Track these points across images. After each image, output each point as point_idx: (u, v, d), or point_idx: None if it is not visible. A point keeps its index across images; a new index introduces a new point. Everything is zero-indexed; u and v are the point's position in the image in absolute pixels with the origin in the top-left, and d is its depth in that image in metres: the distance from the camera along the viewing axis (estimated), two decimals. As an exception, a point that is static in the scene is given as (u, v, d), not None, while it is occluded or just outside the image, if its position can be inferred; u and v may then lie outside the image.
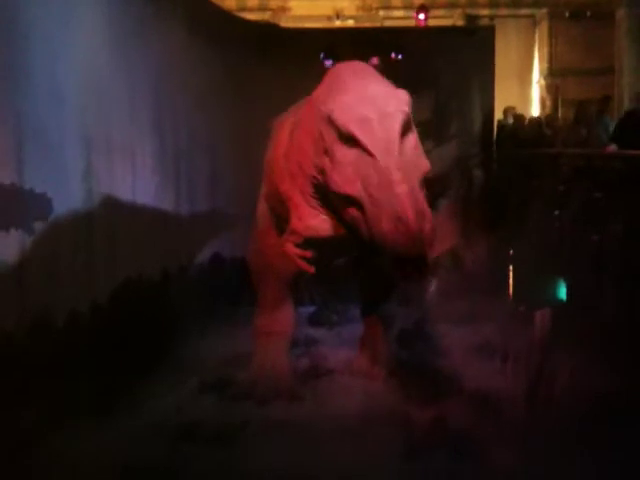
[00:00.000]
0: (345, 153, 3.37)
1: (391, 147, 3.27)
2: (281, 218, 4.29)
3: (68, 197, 4.13)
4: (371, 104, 3.40)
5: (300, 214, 3.87)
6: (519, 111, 10.96)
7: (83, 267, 4.29)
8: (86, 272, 4.32)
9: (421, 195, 3.27)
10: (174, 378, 4.57)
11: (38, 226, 3.82)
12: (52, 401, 3.66)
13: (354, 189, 3.30)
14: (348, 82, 3.63)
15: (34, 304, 3.78)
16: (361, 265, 4.71)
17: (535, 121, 10.56)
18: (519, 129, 9.71)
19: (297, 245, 3.93)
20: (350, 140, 3.34)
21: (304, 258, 3.93)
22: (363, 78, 3.68)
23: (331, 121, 3.41)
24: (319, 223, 3.83)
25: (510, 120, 10.16)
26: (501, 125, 9.64)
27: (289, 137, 4.04)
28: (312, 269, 3.96)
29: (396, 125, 3.33)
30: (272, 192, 4.34)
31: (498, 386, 4.20)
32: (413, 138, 3.49)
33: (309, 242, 3.90)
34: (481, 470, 3.39)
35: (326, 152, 3.47)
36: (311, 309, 6.29)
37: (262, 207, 4.73)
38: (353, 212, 3.37)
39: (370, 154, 3.26)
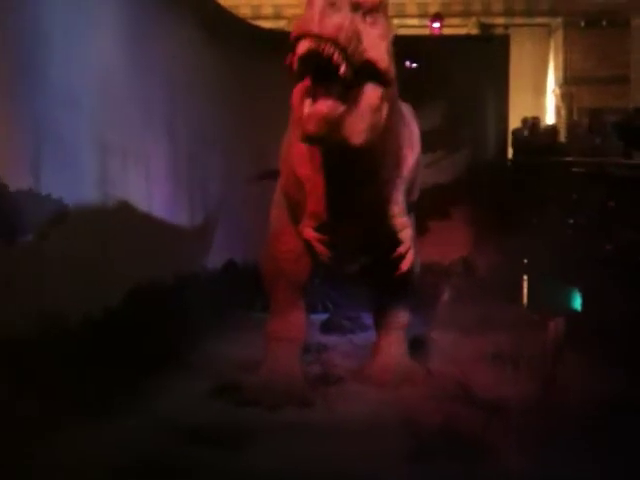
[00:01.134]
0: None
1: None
2: (298, 207, 4.27)
3: (84, 201, 4.17)
4: None
5: (318, 194, 3.86)
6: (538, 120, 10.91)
7: (97, 271, 4.33)
8: (101, 276, 4.36)
9: (343, 15, 3.18)
10: (186, 382, 4.59)
11: (54, 230, 3.85)
12: (65, 402, 3.68)
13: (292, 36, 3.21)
14: None
15: (49, 307, 3.81)
16: (374, 272, 4.72)
17: (550, 129, 10.53)
18: (534, 137, 9.69)
19: (315, 229, 3.92)
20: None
21: (323, 243, 3.92)
22: None
23: None
24: (337, 203, 3.83)
25: (526, 131, 10.14)
26: (515, 133, 9.61)
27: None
28: (330, 254, 3.94)
29: None
30: (289, 178, 4.31)
31: (510, 393, 4.19)
32: (381, 29, 3.46)
33: (326, 227, 3.89)
34: (492, 477, 3.38)
35: None
36: (323, 316, 6.30)
37: (275, 212, 4.74)
38: None
39: None
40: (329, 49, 3.14)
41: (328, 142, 3.39)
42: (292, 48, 3.22)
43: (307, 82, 3.32)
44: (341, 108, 3.31)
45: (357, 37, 3.27)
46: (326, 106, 3.26)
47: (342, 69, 3.21)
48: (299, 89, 3.41)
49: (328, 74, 3.23)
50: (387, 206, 4.00)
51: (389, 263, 4.43)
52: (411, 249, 4.19)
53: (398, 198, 4.05)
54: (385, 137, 3.68)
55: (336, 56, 3.17)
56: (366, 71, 3.37)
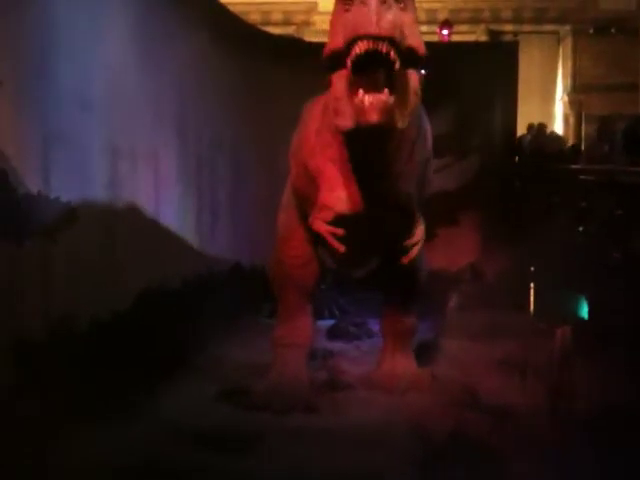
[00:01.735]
0: (340, 17, 3.47)
1: None
2: (308, 202, 4.27)
3: (92, 204, 4.18)
4: None
5: (331, 186, 3.89)
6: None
7: (106, 274, 4.34)
8: (109, 279, 4.37)
9: (394, 11, 3.29)
10: (193, 385, 4.59)
11: (62, 233, 3.87)
12: (72, 404, 3.70)
13: (342, 40, 3.37)
14: None
15: (58, 310, 3.83)
16: (383, 277, 4.71)
17: (556, 137, 10.52)
18: (542, 144, 9.69)
19: (328, 222, 3.93)
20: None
21: (335, 237, 3.93)
22: None
23: None
24: (350, 195, 3.86)
25: (529, 136, 10.14)
26: (521, 140, 9.62)
27: (322, 113, 4.06)
28: (343, 247, 3.95)
29: None
30: (300, 173, 4.32)
31: (517, 400, 4.18)
32: (412, 14, 3.56)
33: (338, 220, 3.91)
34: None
35: None
36: (330, 322, 6.29)
37: (283, 217, 4.75)
38: None
39: None
40: (387, 48, 3.28)
41: (381, 129, 3.49)
42: (346, 48, 3.34)
43: (352, 74, 3.43)
44: (393, 95, 3.43)
45: (401, 29, 3.39)
46: (384, 95, 3.39)
47: (397, 64, 3.36)
48: (341, 81, 3.54)
49: (373, 63, 3.35)
50: (399, 199, 4.00)
51: (397, 267, 4.42)
52: (419, 244, 4.20)
53: (410, 190, 4.04)
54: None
55: (392, 54, 3.31)
56: (408, 58, 3.50)
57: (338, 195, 3.89)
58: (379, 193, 3.87)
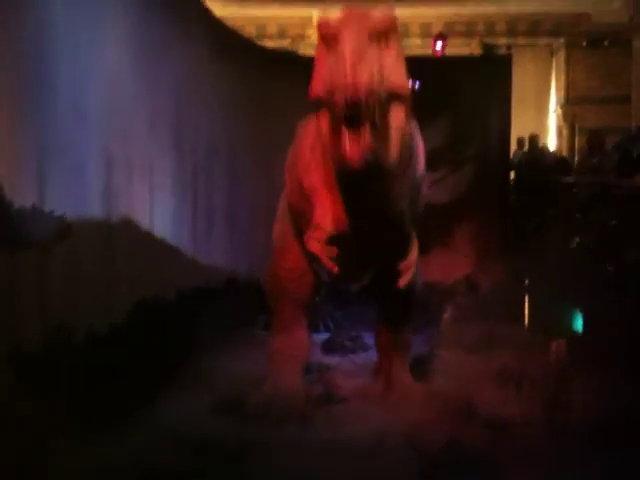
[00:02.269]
0: (323, 60, 3.47)
1: (361, 33, 3.32)
2: (303, 218, 4.27)
3: (87, 215, 4.18)
4: (353, 13, 3.48)
5: (326, 205, 3.89)
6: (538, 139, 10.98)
7: (101, 286, 4.33)
8: (104, 291, 4.36)
9: (370, 68, 3.27)
10: (188, 397, 4.58)
11: (58, 246, 3.86)
12: (67, 416, 3.68)
13: (322, 89, 3.40)
14: None
15: (54, 322, 3.81)
16: (378, 291, 4.71)
17: (547, 151, 10.57)
18: (538, 156, 9.73)
19: (322, 242, 3.93)
20: (329, 41, 3.42)
21: (330, 257, 3.92)
22: None
23: (317, 31, 3.53)
24: (344, 215, 3.85)
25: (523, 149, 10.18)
26: (516, 153, 9.66)
27: (316, 130, 4.06)
28: (336, 268, 3.95)
29: (372, 23, 3.40)
30: (295, 190, 4.31)
31: (513, 412, 4.17)
32: (395, 51, 3.53)
33: (333, 240, 3.91)
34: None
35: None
36: (324, 336, 6.28)
37: (278, 229, 4.75)
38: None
39: (338, 36, 3.33)
40: (365, 99, 3.27)
41: (368, 170, 3.49)
42: (325, 100, 3.40)
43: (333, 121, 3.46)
44: (377, 136, 3.43)
45: (381, 70, 3.37)
46: (367, 138, 3.39)
47: (377, 111, 3.36)
48: (325, 120, 3.54)
49: (355, 107, 3.33)
50: (395, 218, 4.00)
51: (392, 281, 4.42)
52: (413, 266, 4.20)
53: (404, 209, 4.04)
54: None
55: (371, 102, 3.30)
56: (391, 96, 3.47)
57: (332, 214, 3.88)
58: (373, 213, 3.87)
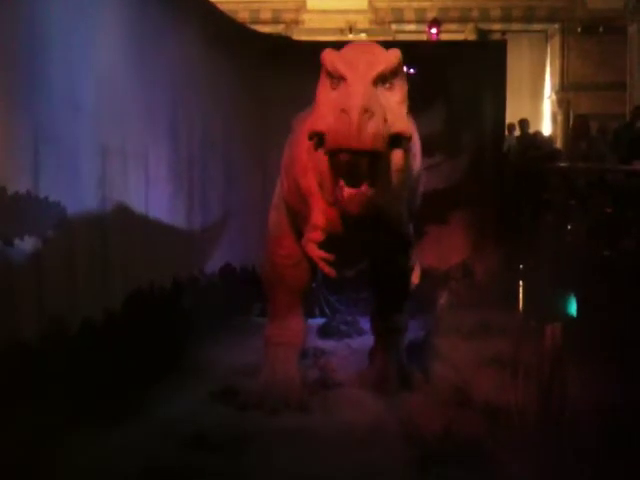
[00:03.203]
0: (327, 95, 3.48)
1: (367, 78, 3.31)
2: (300, 217, 4.27)
3: (83, 205, 4.16)
4: (360, 52, 3.52)
5: (322, 208, 3.88)
6: (532, 125, 10.97)
7: (97, 275, 4.32)
8: (100, 280, 4.35)
9: (376, 119, 3.23)
10: (184, 387, 4.58)
11: (53, 234, 3.84)
12: (65, 407, 3.68)
13: (324, 125, 3.38)
14: None
15: (49, 311, 3.80)
16: (374, 276, 4.71)
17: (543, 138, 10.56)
18: (531, 143, 9.72)
19: (319, 246, 3.93)
20: (334, 77, 3.44)
21: (326, 261, 3.93)
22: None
23: (322, 63, 3.55)
24: (341, 217, 3.83)
25: (515, 134, 10.16)
26: (509, 139, 9.65)
27: (315, 162, 4.02)
28: (334, 272, 3.96)
29: (379, 66, 3.41)
30: (292, 189, 4.28)
31: (508, 398, 4.19)
32: (399, 94, 3.55)
33: (330, 241, 3.91)
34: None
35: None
36: (320, 321, 6.29)
37: (274, 217, 4.74)
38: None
39: (344, 78, 3.33)
40: (368, 156, 3.28)
41: (365, 213, 3.52)
42: (327, 149, 3.38)
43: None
44: (375, 182, 3.44)
45: (386, 116, 3.34)
46: (364, 187, 3.40)
47: (379, 162, 3.38)
48: (324, 161, 3.53)
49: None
50: (391, 220, 3.99)
51: (387, 268, 4.43)
52: (416, 267, 4.30)
53: (401, 210, 4.03)
54: None
55: (375, 155, 3.31)
56: (394, 141, 3.47)
57: (329, 217, 3.87)
58: (370, 220, 3.88)
